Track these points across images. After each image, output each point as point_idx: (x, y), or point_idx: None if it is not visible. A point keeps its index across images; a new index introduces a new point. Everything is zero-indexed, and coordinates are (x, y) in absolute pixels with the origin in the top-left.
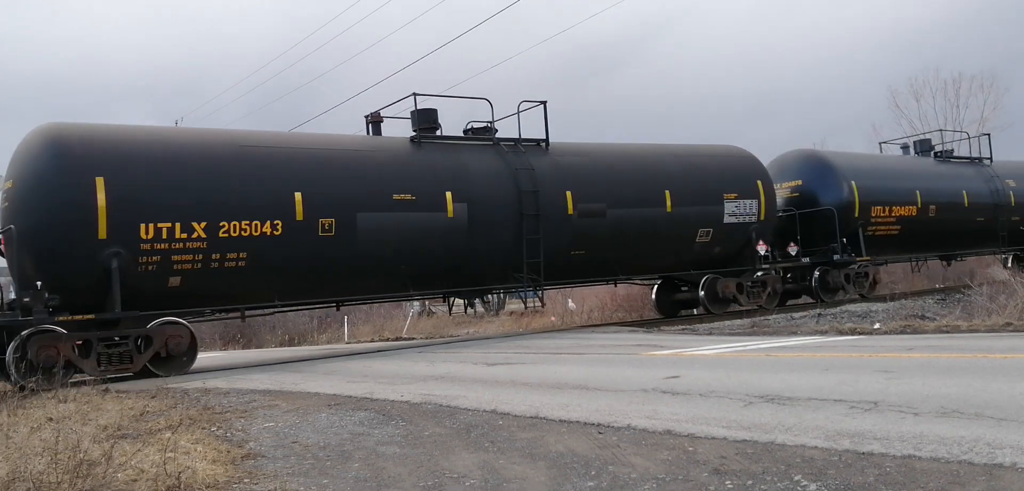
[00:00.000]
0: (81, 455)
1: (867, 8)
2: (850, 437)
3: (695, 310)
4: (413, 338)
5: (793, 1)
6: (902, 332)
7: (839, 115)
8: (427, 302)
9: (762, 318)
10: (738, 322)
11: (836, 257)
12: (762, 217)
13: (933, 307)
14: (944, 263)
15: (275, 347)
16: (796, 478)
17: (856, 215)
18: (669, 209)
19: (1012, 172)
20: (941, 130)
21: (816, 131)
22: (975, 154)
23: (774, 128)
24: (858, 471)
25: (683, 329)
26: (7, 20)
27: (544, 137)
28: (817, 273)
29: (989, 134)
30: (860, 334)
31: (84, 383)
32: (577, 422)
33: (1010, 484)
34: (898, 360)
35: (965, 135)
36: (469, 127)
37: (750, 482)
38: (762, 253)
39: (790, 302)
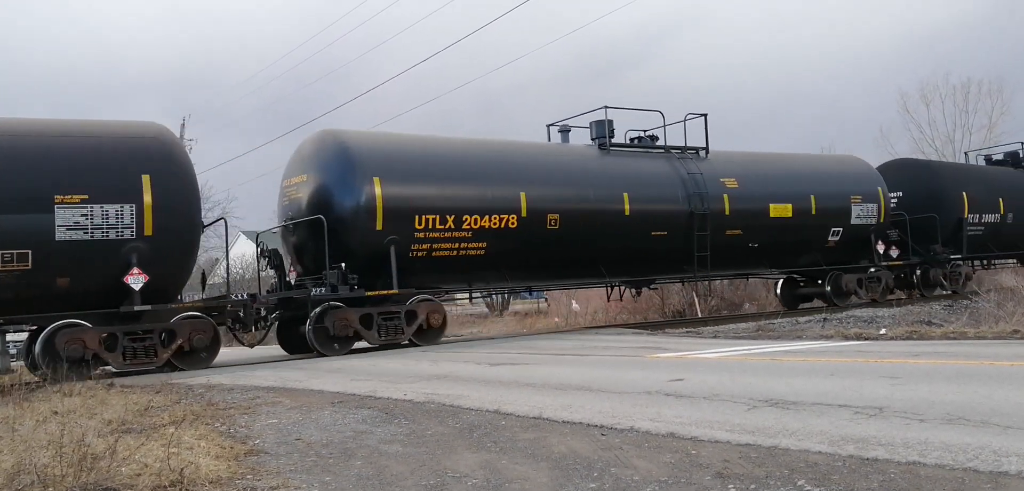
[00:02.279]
0: (85, 448)
1: (879, 13)
2: (854, 442)
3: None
4: None
5: (805, 5)
6: (908, 338)
7: (851, 119)
8: None
9: (767, 321)
10: (743, 326)
11: (318, 291)
12: (147, 231)
13: (940, 313)
14: (633, 293)
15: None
16: (799, 483)
17: (379, 227)
18: None
19: (737, 168)
20: (607, 107)
21: (826, 135)
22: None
23: (786, 132)
24: (862, 477)
25: (687, 331)
26: (19, 15)
27: None
28: (313, 316)
29: (705, 115)
30: (866, 339)
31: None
32: (580, 423)
33: None
34: (904, 366)
35: (660, 115)
36: None
37: (753, 486)
38: (136, 287)
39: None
